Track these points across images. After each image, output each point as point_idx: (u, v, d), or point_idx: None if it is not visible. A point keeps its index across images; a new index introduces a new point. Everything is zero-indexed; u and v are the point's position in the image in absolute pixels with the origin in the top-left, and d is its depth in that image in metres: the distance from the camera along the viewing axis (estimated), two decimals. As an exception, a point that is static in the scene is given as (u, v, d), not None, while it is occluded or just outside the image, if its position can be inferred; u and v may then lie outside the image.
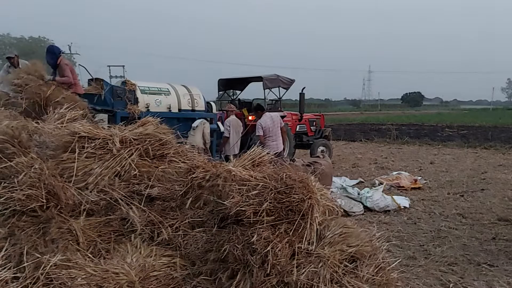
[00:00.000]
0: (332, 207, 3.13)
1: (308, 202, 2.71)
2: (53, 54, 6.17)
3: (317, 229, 2.75)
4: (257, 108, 7.85)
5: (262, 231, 2.54)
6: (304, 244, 2.63)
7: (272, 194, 2.68)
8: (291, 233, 2.63)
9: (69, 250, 2.50)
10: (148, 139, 3.43)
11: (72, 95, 5.61)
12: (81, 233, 2.64)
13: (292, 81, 11.50)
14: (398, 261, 2.92)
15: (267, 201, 2.64)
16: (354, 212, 6.10)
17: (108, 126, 4.24)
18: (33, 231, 2.53)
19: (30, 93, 5.08)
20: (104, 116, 7.33)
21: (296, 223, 2.65)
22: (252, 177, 2.92)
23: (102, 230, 2.80)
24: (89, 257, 2.52)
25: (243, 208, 2.61)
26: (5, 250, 2.30)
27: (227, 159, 7.53)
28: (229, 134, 8.28)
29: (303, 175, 2.91)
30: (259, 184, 2.77)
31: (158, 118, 3.88)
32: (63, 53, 6.46)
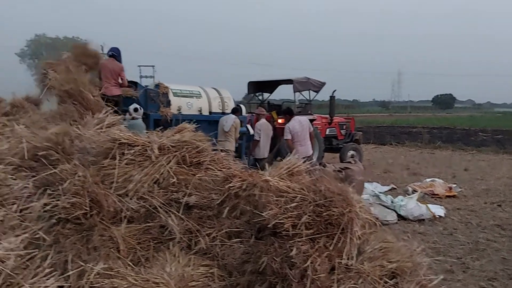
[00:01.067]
0: (371, 220, 3.06)
1: (347, 216, 2.65)
2: None
3: (356, 243, 2.70)
4: (286, 112, 7.82)
5: (301, 245, 2.50)
6: (343, 259, 2.59)
7: (311, 207, 2.64)
8: (330, 248, 2.59)
9: (110, 258, 2.53)
10: (185, 146, 3.43)
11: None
12: (122, 241, 2.67)
13: (323, 84, 11.38)
14: (440, 278, 2.82)
15: (306, 214, 2.60)
16: (387, 221, 5.97)
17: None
18: (76, 238, 2.57)
19: None
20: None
21: (335, 237, 2.61)
22: (290, 188, 2.89)
23: (141, 237, 2.82)
24: (129, 265, 2.54)
25: (281, 221, 2.59)
26: (51, 257, 2.34)
27: (258, 162, 7.52)
28: (260, 137, 8.26)
29: (342, 187, 2.86)
30: (297, 196, 2.74)
31: (193, 124, 3.89)
32: (106, 54, 7.41)
